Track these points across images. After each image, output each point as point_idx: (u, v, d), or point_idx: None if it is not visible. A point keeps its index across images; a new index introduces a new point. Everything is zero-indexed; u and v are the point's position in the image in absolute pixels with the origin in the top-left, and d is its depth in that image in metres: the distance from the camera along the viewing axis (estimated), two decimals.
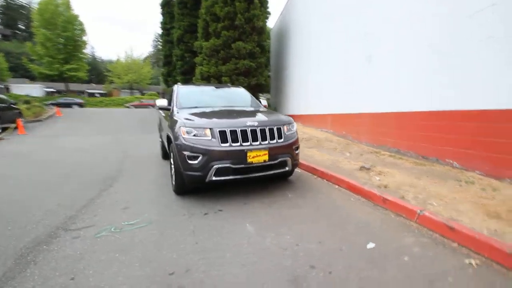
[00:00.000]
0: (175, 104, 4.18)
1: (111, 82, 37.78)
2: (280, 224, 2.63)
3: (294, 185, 3.91)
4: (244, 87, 13.28)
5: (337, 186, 3.81)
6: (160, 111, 5.54)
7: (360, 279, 1.79)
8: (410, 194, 3.23)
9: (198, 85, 4.80)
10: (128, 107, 29.24)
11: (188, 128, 3.19)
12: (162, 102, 4.31)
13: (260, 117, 3.53)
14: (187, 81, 16.44)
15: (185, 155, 3.11)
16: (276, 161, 3.33)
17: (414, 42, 4.88)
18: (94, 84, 45.36)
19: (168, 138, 3.81)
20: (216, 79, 13.00)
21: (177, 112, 3.84)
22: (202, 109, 4.00)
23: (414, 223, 2.56)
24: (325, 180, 4.13)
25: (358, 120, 6.46)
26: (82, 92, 40.57)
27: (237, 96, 4.94)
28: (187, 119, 3.40)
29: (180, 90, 4.56)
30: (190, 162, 3.09)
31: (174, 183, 3.44)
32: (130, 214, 2.92)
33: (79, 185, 4.01)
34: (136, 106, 30.51)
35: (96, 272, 1.90)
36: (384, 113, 5.63)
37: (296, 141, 3.62)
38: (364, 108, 6.26)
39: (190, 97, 4.46)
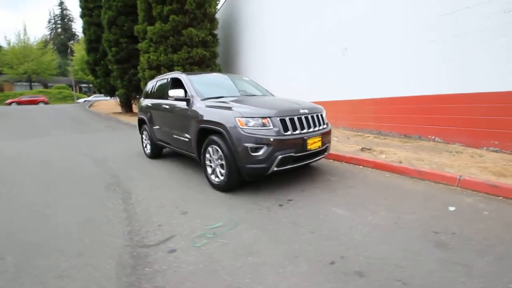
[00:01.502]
0: (194, 94, 3.79)
1: (1, 73, 30.08)
2: (357, 204, 2.80)
3: (320, 169, 4.12)
4: None
5: (361, 166, 4.20)
6: (154, 103, 4.88)
7: (476, 232, 2.14)
8: (425, 165, 3.85)
9: (200, 73, 4.37)
10: (9, 104, 24.57)
11: (245, 119, 2.99)
12: (178, 92, 3.82)
13: (302, 103, 3.57)
14: (125, 70, 14.54)
15: (247, 147, 2.92)
16: (324, 147, 3.47)
17: (389, 40, 5.64)
18: None
19: (201, 131, 3.46)
20: (167, 69, 11.96)
21: (204, 103, 3.53)
22: (227, 98, 3.76)
23: (457, 187, 3.12)
24: (343, 162, 4.47)
25: (335, 107, 7.08)
26: None
27: (246, 83, 4.77)
28: (229, 108, 3.19)
29: (192, 79, 4.13)
30: (253, 154, 2.93)
31: (225, 179, 3.17)
32: (198, 218, 2.60)
33: (90, 199, 3.28)
34: (18, 103, 25.83)
35: (262, 279, 1.70)
36: (363, 100, 6.35)
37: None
38: (341, 96, 6.89)
39: (206, 86, 4.09)
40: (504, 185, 2.81)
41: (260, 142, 2.93)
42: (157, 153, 5.29)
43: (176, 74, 4.54)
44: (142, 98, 5.77)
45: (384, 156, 4.51)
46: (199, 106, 3.61)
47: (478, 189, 2.96)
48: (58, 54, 40.22)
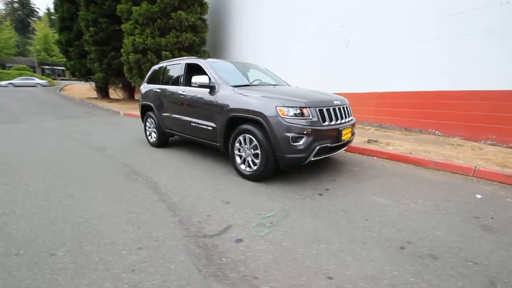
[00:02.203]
0: (219, 82, 3.67)
1: None
2: (392, 193, 2.95)
3: (338, 160, 4.24)
4: None
5: (375, 158, 4.39)
6: (165, 89, 4.64)
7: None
8: (433, 156, 4.13)
9: (215, 60, 4.20)
10: None
11: (286, 108, 2.96)
12: (202, 79, 3.67)
13: (331, 95, 3.61)
14: (104, 52, 13.54)
15: (289, 137, 2.91)
16: (352, 137, 3.57)
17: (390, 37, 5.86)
18: None
19: (231, 120, 3.38)
20: (154, 53, 11.38)
21: (233, 91, 3.44)
22: (255, 86, 3.70)
23: (473, 177, 3.40)
24: (356, 153, 4.64)
25: None
26: None
27: (262, 72, 4.69)
28: (266, 97, 3.14)
29: (214, 65, 3.98)
30: (293, 144, 2.93)
31: (260, 168, 3.14)
32: (245, 208, 2.58)
33: (116, 189, 3.09)
34: None
35: (345, 265, 1.74)
36: (364, 93, 6.57)
37: None
38: (343, 89, 7.07)
39: (228, 73, 3.97)
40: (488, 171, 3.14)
41: (301, 132, 2.93)
42: (163, 142, 5.08)
43: (193, 60, 4.35)
44: (145, 84, 5.46)
45: (391, 148, 4.75)
46: (227, 94, 3.50)
47: (493, 179, 3.25)
48: (16, 32, 36.29)
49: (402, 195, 2.86)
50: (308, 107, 3.03)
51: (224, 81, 3.70)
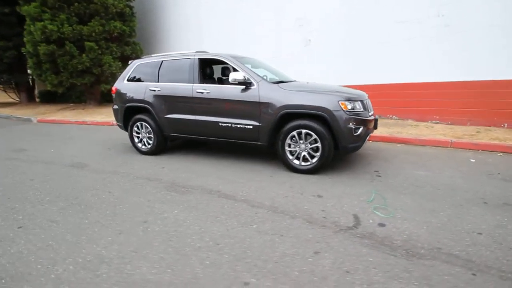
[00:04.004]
0: (257, 78, 3.57)
1: None
2: (420, 166, 3.62)
3: None
4: (117, 58, 10.66)
5: (370, 141, 5.14)
6: (171, 87, 4.07)
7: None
8: (405, 135, 5.20)
9: (234, 55, 3.89)
10: None
11: (348, 102, 3.21)
12: (239, 75, 3.46)
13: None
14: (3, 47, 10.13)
15: (352, 128, 3.18)
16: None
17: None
18: None
19: (283, 116, 3.36)
20: (73, 44, 9.38)
21: (278, 87, 3.45)
22: (292, 83, 3.78)
23: (451, 148, 4.51)
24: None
25: None
26: None
27: (271, 68, 4.66)
28: (326, 92, 3.33)
29: (241, 61, 3.80)
30: (355, 134, 3.22)
31: (320, 160, 3.28)
32: (342, 197, 2.73)
33: (208, 212, 2.65)
34: None
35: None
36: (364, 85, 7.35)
37: None
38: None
39: (255, 70, 3.85)
40: (481, 143, 4.37)
41: (359, 123, 3.25)
42: (162, 148, 4.47)
43: (210, 55, 3.99)
44: (124, 81, 4.59)
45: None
46: (273, 90, 3.45)
47: (466, 147, 4.43)
48: None
49: (429, 167, 3.59)
50: (360, 101, 3.37)
51: (261, 77, 3.61)
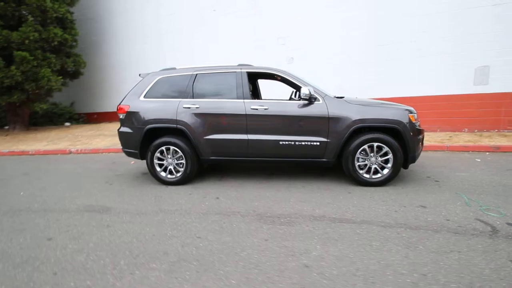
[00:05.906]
0: (321, 93, 3.48)
1: None
2: (454, 168, 4.12)
3: None
4: (56, 72, 8.88)
5: None
6: (213, 105, 3.52)
7: None
8: (432, 143, 5.88)
9: (272, 68, 3.61)
10: None
11: (413, 114, 3.40)
12: (306, 90, 3.28)
13: None
14: None
15: (420, 138, 3.39)
16: None
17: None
18: None
19: (356, 131, 3.32)
20: None
21: (345, 101, 3.44)
22: (352, 98, 3.80)
23: (448, 151, 5.27)
24: None
25: None
26: None
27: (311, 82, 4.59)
28: (396, 107, 3.47)
29: (297, 75, 3.63)
30: (419, 144, 3.44)
31: (391, 172, 3.35)
32: (441, 207, 2.84)
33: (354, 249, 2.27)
34: None
35: None
36: None
37: None
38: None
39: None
40: (472, 145, 5.26)
41: (421, 133, 3.50)
42: (193, 175, 3.80)
43: (258, 69, 3.66)
44: (141, 98, 3.77)
45: None
46: (341, 105, 3.40)
47: (461, 150, 5.24)
48: None
49: (458, 169, 4.09)
50: (415, 113, 3.63)
51: (325, 93, 3.51)
